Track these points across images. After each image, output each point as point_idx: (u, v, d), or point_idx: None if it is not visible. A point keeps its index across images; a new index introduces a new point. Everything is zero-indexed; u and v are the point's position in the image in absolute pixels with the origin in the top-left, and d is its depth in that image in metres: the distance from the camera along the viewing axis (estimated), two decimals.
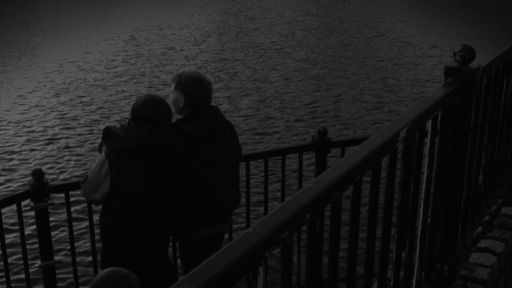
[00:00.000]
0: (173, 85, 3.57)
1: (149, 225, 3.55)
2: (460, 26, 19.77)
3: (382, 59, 15.62)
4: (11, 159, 9.39)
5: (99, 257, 3.85)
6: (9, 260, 4.19)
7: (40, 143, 10.07)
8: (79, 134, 10.41)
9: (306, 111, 11.54)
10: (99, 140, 3.64)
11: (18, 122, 11.10)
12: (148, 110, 3.51)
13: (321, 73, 14.35)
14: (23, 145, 9.99)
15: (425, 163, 2.51)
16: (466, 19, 20.83)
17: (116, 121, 9.41)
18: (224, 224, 3.75)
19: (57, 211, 6.86)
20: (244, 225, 4.83)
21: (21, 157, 9.49)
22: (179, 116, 3.62)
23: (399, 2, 26.15)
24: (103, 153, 3.54)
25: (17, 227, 3.98)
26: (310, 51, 16.66)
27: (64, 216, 6.30)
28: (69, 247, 4.12)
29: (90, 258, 4.19)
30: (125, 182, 3.43)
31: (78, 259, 4.50)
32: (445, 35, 18.11)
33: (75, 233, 4.18)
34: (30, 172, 3.85)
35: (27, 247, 3.95)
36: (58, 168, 8.95)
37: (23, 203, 3.79)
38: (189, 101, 3.50)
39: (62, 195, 3.91)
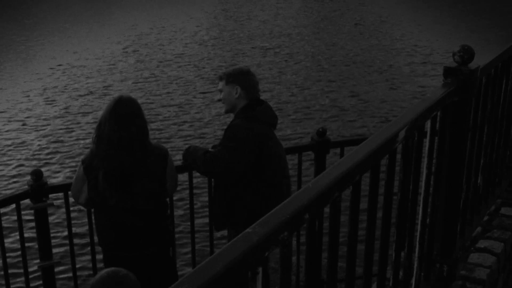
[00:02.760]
0: (223, 81, 3.67)
1: (147, 231, 3.51)
2: (469, 30, 19.70)
3: (390, 64, 15.53)
4: (5, 161, 9.38)
5: (98, 257, 3.84)
6: (8, 260, 4.19)
7: (38, 144, 10.07)
8: (77, 138, 10.39)
9: (312, 114, 11.49)
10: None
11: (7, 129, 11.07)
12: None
13: (330, 76, 14.30)
14: (17, 148, 9.97)
15: (424, 163, 2.51)
16: (477, 25, 20.72)
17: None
18: None
19: (56, 211, 6.86)
20: None
21: (16, 158, 9.48)
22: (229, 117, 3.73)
23: (403, 4, 26.13)
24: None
25: (17, 227, 3.97)
26: (317, 55, 16.61)
27: (63, 216, 6.30)
28: (68, 247, 4.11)
29: (89, 258, 4.17)
30: (106, 194, 3.38)
31: (77, 259, 4.49)
32: (453, 39, 18.00)
33: (74, 233, 4.17)
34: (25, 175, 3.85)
35: (26, 246, 3.95)
36: (55, 173, 8.95)
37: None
38: (244, 90, 3.62)
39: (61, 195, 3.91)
